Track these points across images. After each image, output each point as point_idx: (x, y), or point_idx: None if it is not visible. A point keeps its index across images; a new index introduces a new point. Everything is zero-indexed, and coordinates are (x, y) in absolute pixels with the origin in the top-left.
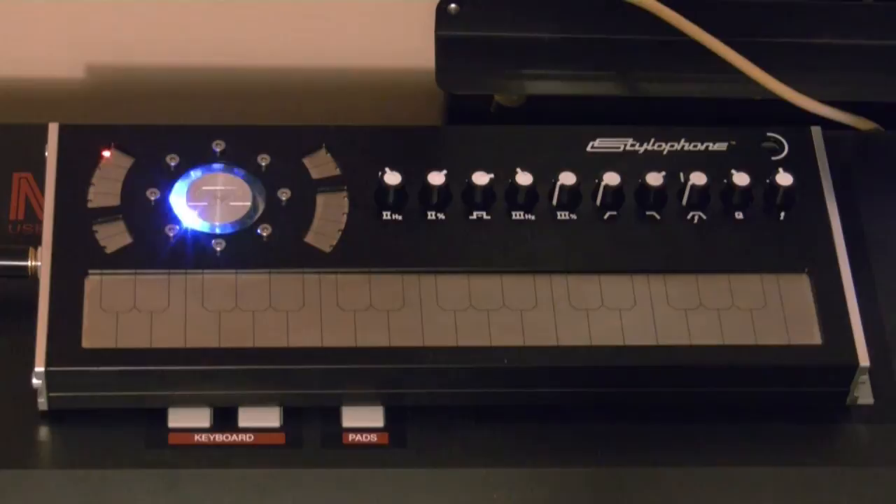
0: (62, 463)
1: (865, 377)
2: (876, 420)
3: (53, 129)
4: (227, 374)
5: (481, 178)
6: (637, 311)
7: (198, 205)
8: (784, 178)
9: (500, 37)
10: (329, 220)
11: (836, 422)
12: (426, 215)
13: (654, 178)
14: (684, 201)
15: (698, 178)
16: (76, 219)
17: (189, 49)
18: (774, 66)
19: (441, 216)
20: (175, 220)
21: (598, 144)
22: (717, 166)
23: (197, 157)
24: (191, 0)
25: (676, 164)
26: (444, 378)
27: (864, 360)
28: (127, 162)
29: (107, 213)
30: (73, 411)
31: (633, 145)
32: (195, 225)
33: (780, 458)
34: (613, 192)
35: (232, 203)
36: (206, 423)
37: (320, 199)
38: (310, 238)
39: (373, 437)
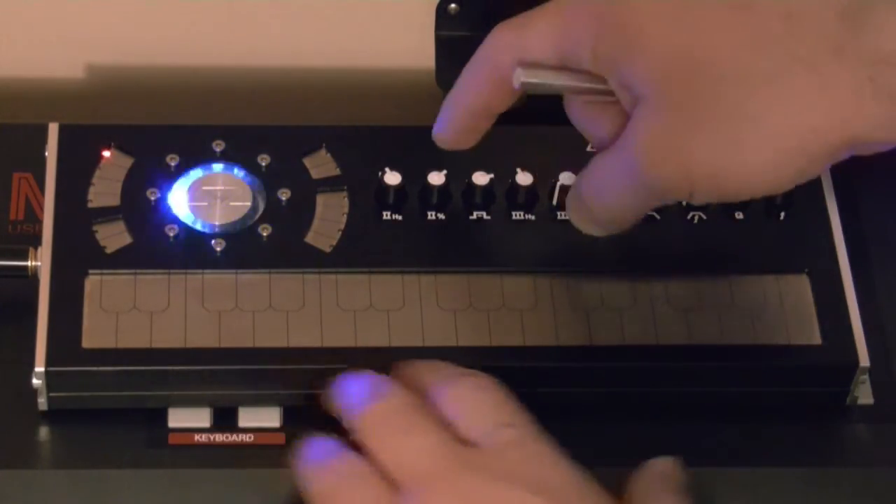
0: (62, 463)
1: (865, 377)
2: (876, 420)
3: (53, 129)
4: (227, 374)
5: (481, 178)
6: (637, 311)
7: (198, 205)
8: None
9: None
10: (329, 220)
11: (836, 422)
12: (426, 215)
13: None
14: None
15: None
16: (76, 219)
17: (189, 49)
18: None
19: (441, 216)
20: (175, 220)
21: None
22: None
23: (197, 157)
24: (191, 0)
25: None
26: None
27: (864, 360)
28: (127, 162)
29: (107, 213)
30: (73, 411)
31: None
32: (195, 225)
33: (780, 458)
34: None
35: (232, 203)
36: (206, 423)
37: (320, 199)
38: (310, 238)
39: None
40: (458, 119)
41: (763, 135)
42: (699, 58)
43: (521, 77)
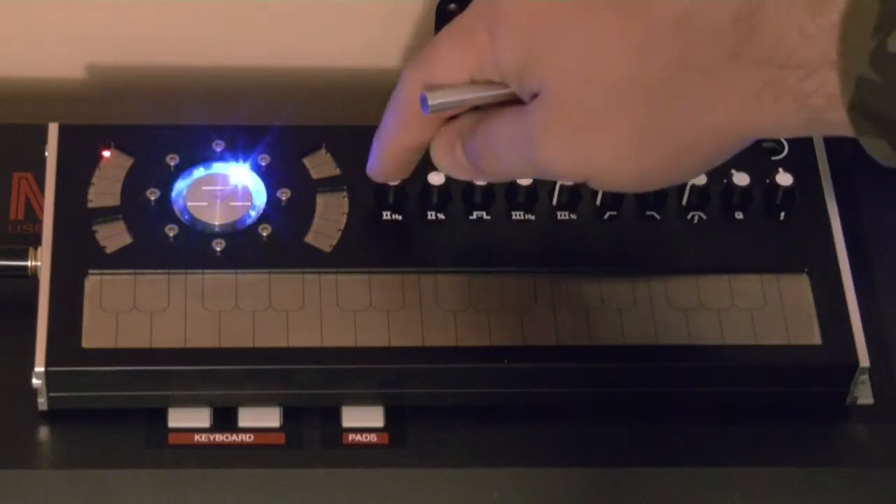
0: (62, 463)
1: (865, 377)
2: (876, 420)
3: (53, 129)
4: (227, 374)
5: None
6: (637, 311)
7: (198, 205)
8: (784, 178)
9: None
10: (329, 220)
11: (836, 422)
12: (426, 215)
13: None
14: (684, 201)
15: (698, 178)
16: (76, 219)
17: (189, 49)
18: None
19: (441, 216)
20: (175, 220)
21: None
22: (717, 166)
23: (197, 157)
24: (191, 0)
25: None
26: (444, 378)
27: (864, 360)
28: (127, 162)
29: (107, 213)
30: (73, 411)
31: None
32: (195, 225)
33: (780, 458)
34: (613, 192)
35: (232, 203)
36: (206, 423)
37: (320, 199)
38: (310, 238)
39: (373, 437)
40: (391, 158)
41: (660, 138)
42: (592, 68)
43: (430, 102)
